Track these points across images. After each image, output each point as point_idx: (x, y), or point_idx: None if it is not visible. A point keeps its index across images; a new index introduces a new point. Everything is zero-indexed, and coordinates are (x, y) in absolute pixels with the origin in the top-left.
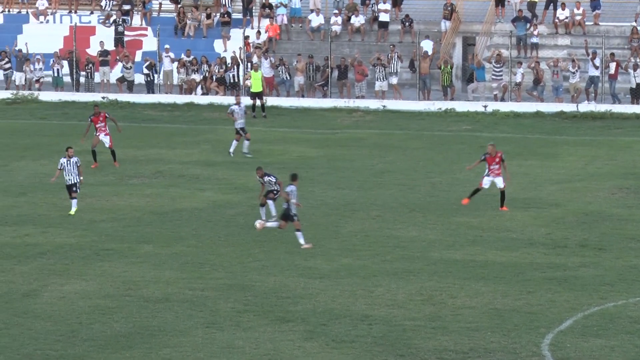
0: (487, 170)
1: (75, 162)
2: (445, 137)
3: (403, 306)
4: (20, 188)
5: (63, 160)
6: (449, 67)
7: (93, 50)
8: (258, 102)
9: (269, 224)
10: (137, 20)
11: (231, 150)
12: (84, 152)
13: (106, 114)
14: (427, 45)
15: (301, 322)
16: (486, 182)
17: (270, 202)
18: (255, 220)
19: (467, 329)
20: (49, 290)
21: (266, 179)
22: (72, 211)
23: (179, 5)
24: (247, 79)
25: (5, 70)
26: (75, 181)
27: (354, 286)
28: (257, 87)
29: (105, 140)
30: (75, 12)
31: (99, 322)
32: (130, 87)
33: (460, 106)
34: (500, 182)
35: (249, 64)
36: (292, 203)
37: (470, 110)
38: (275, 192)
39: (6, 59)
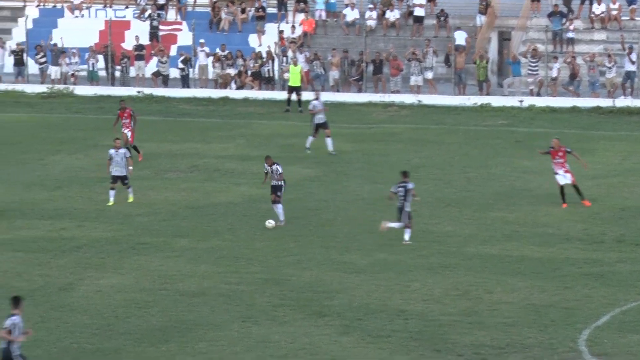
0: (553, 166)
1: (124, 154)
2: (481, 132)
3: (439, 301)
4: (56, 182)
5: (112, 152)
6: (484, 61)
7: (128, 44)
8: (294, 97)
9: (393, 225)
10: (172, 14)
11: (307, 145)
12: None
13: (131, 111)
14: (460, 37)
15: (337, 317)
16: (560, 179)
17: (278, 205)
18: (267, 220)
19: (503, 324)
20: (85, 284)
21: (274, 167)
22: (130, 199)
23: (214, 0)
24: (285, 72)
25: (40, 64)
26: (125, 173)
27: (389, 281)
28: (295, 81)
29: (128, 135)
30: (110, 6)
31: (135, 316)
32: (165, 81)
33: (496, 101)
34: (569, 178)
35: (285, 59)
36: (410, 201)
37: (506, 105)
38: (279, 188)
39: (41, 53)
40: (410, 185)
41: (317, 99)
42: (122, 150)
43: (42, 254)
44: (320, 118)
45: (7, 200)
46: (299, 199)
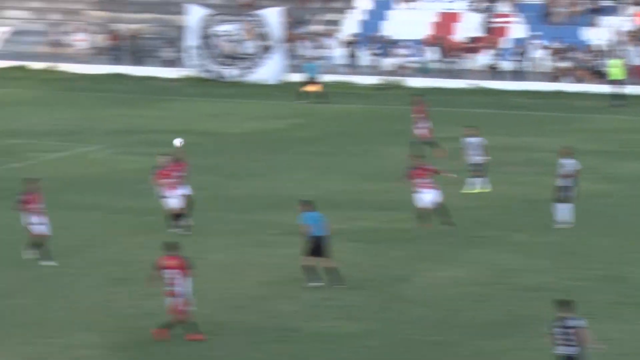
0: None
1: (479, 142)
2: None
3: None
4: (392, 174)
5: (465, 140)
6: None
7: (459, 36)
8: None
9: None
10: (504, 6)
11: None
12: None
13: (423, 107)
14: None
15: None
16: None
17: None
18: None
19: None
20: (420, 276)
21: (566, 162)
22: (477, 189)
23: None
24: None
25: (373, 55)
26: (478, 161)
27: None
28: (615, 74)
29: (420, 132)
30: None
31: (472, 309)
32: (498, 74)
33: None
34: None
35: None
36: None
37: None
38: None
39: (375, 45)
40: None
41: None
42: (478, 139)
43: (377, 244)
44: None
45: (342, 190)
46: (637, 196)
